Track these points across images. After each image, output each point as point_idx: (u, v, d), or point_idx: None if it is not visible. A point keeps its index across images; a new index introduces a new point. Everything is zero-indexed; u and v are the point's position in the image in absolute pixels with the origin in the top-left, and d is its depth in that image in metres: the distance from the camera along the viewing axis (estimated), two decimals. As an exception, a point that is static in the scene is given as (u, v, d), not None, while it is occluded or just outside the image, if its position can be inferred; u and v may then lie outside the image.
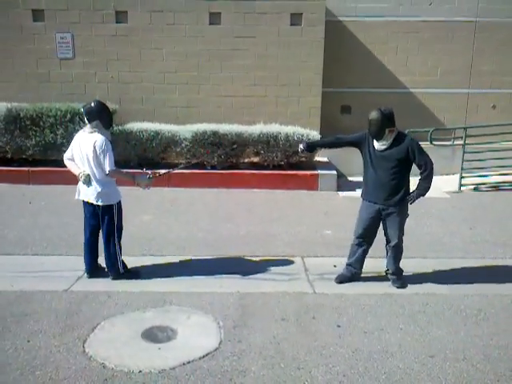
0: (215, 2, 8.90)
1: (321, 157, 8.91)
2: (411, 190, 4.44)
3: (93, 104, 4.37)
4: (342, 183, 8.40)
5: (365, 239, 4.61)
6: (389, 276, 4.73)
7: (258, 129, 8.23)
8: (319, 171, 8.21)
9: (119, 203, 4.61)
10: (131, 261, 4.92)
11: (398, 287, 4.62)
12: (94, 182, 4.45)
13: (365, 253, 4.69)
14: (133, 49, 8.95)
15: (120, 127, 8.14)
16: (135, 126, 8.20)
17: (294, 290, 4.54)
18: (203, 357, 3.49)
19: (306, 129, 8.34)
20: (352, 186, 8.34)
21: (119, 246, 4.64)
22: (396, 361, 3.49)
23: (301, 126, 8.41)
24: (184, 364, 3.40)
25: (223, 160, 8.14)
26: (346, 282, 4.68)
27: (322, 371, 3.37)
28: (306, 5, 9.01)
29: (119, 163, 8.05)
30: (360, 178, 9.00)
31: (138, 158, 8.10)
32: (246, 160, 8.42)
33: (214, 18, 8.91)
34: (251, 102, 9.22)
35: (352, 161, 8.93)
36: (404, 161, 4.30)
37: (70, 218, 6.35)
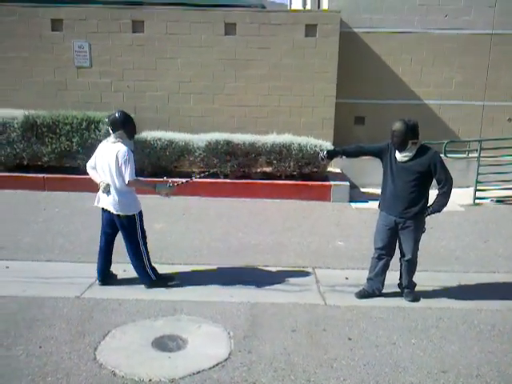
0: (231, 13, 9.00)
1: (334, 167, 8.89)
2: (429, 204, 4.39)
3: (117, 114, 4.41)
4: (355, 194, 8.36)
5: (384, 251, 4.53)
6: (401, 289, 4.68)
7: (271, 139, 8.25)
8: (332, 182, 8.19)
9: (140, 213, 4.62)
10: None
11: (410, 301, 4.57)
12: (113, 192, 4.47)
13: (385, 267, 4.59)
14: (148, 58, 9.07)
15: (135, 136, 8.20)
16: (149, 134, 8.28)
17: (304, 301, 4.51)
18: (213, 367, 3.48)
19: (319, 139, 8.33)
20: (365, 198, 8.30)
21: (146, 254, 4.65)
22: (408, 376, 3.44)
23: (314, 137, 8.40)
24: (194, 374, 3.39)
25: (236, 169, 8.16)
26: (367, 297, 4.59)
27: (333, 384, 3.33)
28: (321, 16, 9.06)
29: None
30: (373, 190, 9.00)
31: (151, 166, 8.15)
32: (259, 170, 8.43)
33: (230, 29, 9.00)
34: (265, 111, 9.26)
35: (365, 172, 8.95)
36: (425, 174, 4.25)
37: (83, 225, 6.42)
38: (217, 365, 3.50)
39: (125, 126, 4.41)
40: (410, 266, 4.56)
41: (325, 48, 9.04)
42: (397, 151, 4.32)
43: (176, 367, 3.47)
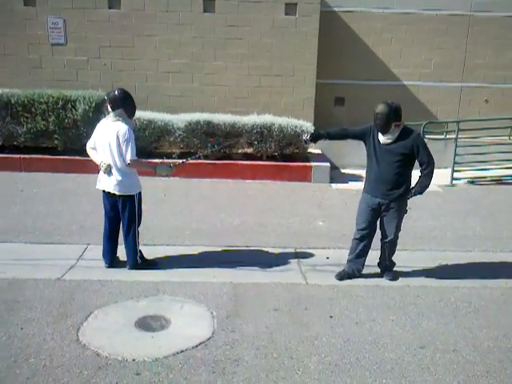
0: (210, -10, 8.82)
1: (314, 148, 8.92)
2: (412, 186, 4.46)
3: (117, 92, 4.32)
4: (336, 175, 8.43)
5: (365, 232, 4.57)
6: (381, 269, 4.78)
7: (251, 119, 8.20)
8: (313, 163, 8.23)
9: (140, 194, 4.59)
10: (121, 250, 4.92)
11: (389, 280, 4.67)
12: (114, 172, 4.41)
13: (366, 248, 4.64)
14: (126, 36, 8.86)
15: (113, 115, 8.06)
16: (128, 114, 8.12)
17: (286, 280, 4.57)
18: (196, 346, 3.51)
19: (299, 120, 8.33)
20: (345, 179, 8.38)
21: (138, 236, 4.63)
22: (387, 352, 3.54)
23: (294, 117, 8.39)
24: (177, 353, 3.42)
25: (217, 150, 8.11)
26: (347, 278, 4.65)
27: (315, 361, 3.41)
28: (302, -6, 8.96)
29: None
30: (353, 171, 9.10)
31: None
32: (240, 151, 8.40)
33: (208, 6, 8.84)
34: (245, 91, 9.19)
35: (345, 153, 9.01)
36: (408, 156, 4.30)
37: (62, 206, 6.32)
38: (200, 344, 3.54)
39: (125, 104, 4.32)
40: (390, 247, 4.64)
41: (305, 27, 8.97)
42: (380, 133, 4.34)
43: (159, 347, 3.49)
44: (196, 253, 5.13)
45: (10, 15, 8.68)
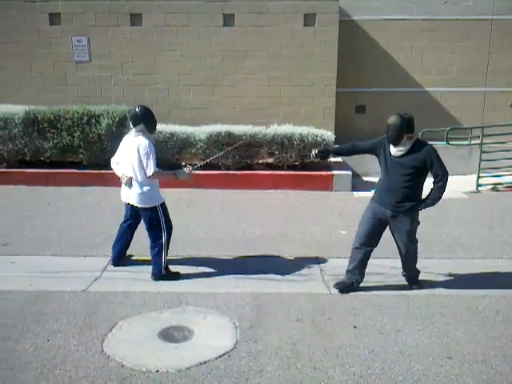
0: (229, 3, 8.94)
1: (335, 157, 8.87)
2: (423, 198, 4.33)
3: (138, 109, 4.53)
4: (357, 183, 8.35)
5: (367, 241, 4.43)
6: (406, 279, 4.68)
7: (272, 129, 8.23)
8: (334, 171, 8.19)
9: (163, 204, 4.69)
10: (144, 261, 4.98)
11: (414, 289, 4.58)
12: (135, 184, 4.57)
13: (365, 258, 4.49)
14: (147, 51, 9.03)
15: (135, 129, 8.21)
16: (150, 127, 8.25)
17: (309, 290, 4.54)
18: (219, 357, 3.51)
19: (320, 129, 8.32)
20: (367, 187, 8.28)
21: (167, 246, 4.72)
22: (413, 362, 3.46)
23: (315, 127, 8.39)
24: (201, 364, 3.43)
25: (238, 161, 8.16)
26: (346, 290, 4.51)
27: (339, 372, 3.36)
28: (320, 5, 8.99)
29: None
30: (375, 178, 8.94)
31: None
32: (261, 161, 8.43)
33: (228, 19, 8.95)
34: (265, 102, 9.24)
35: (367, 161, 8.88)
36: (420, 169, 4.19)
37: (87, 219, 6.44)
38: (223, 355, 3.53)
39: (145, 120, 4.51)
40: (409, 258, 4.51)
41: (324, 37, 8.99)
42: (391, 145, 4.23)
43: (182, 358, 3.50)
44: (218, 263, 5.14)
45: (36, 35, 8.97)
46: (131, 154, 4.51)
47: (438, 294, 4.47)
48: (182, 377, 3.29)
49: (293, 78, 9.14)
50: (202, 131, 8.21)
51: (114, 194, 7.56)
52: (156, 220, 4.63)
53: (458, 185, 8.16)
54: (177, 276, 4.81)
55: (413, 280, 4.64)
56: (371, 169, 8.92)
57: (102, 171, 8.07)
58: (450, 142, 8.31)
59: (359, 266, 4.52)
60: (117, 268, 4.96)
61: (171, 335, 3.78)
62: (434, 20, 9.62)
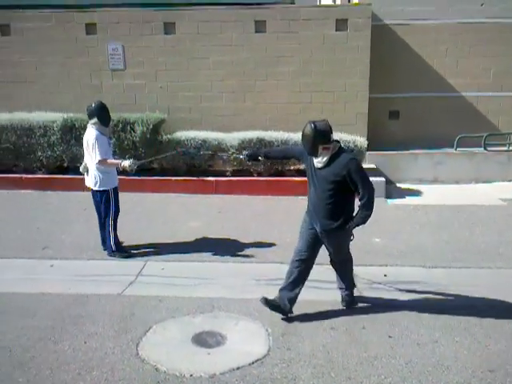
0: (260, 11, 9.00)
1: (368, 163, 8.77)
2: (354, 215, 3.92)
3: (93, 104, 5.24)
4: (391, 190, 8.22)
5: (304, 255, 4.08)
6: (341, 291, 4.34)
7: (303, 135, 8.20)
8: (366, 178, 8.07)
9: (115, 189, 5.37)
10: (181, 265, 5.04)
11: (344, 306, 4.29)
12: (90, 170, 5.31)
13: (302, 275, 4.09)
14: (181, 59, 9.17)
15: (169, 136, 8.35)
16: (183, 134, 8.38)
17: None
18: (252, 363, 3.50)
19: (352, 135, 8.25)
20: (402, 194, 8.16)
21: (114, 227, 5.36)
22: (452, 374, 3.36)
23: (347, 133, 8.31)
24: (234, 369, 3.43)
25: (269, 167, 8.17)
26: (275, 310, 4.08)
27: (374, 382, 3.30)
28: (352, 10, 8.94)
29: (168, 171, 8.32)
30: (410, 185, 8.84)
31: (186, 165, 8.27)
32: (292, 167, 8.41)
33: (260, 26, 9.00)
34: (296, 108, 9.22)
35: (402, 167, 8.81)
36: (341, 184, 3.76)
37: (121, 223, 6.55)
38: (256, 361, 3.53)
39: (98, 114, 5.19)
40: (341, 266, 4.26)
41: (356, 42, 8.92)
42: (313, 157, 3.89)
43: (216, 363, 3.51)
44: (250, 269, 5.15)
45: (73, 44, 9.24)
46: (86, 144, 5.25)
47: (478, 305, 4.34)
48: (215, 382, 3.30)
49: (324, 84, 9.10)
50: (233, 137, 8.26)
51: (146, 198, 7.73)
52: (107, 203, 5.30)
53: (496, 191, 7.92)
54: (128, 254, 5.40)
55: (346, 295, 4.31)
56: (406, 176, 8.82)
57: (135, 177, 8.23)
58: (488, 148, 8.08)
59: (295, 283, 4.09)
60: (150, 272, 5.03)
61: (204, 340, 3.80)
62: (470, 23, 9.40)
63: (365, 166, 8.52)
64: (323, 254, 5.53)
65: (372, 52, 8.96)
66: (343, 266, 4.29)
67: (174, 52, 9.16)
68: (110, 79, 9.35)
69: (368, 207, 3.81)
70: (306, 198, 7.99)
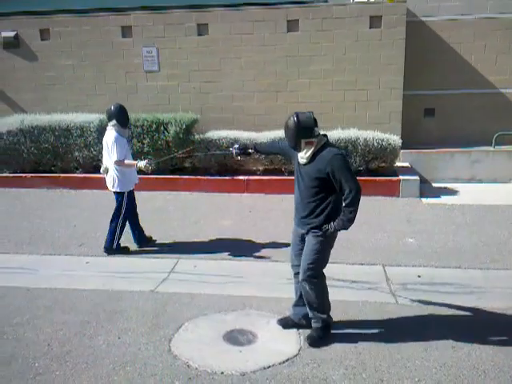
0: (293, 10, 8.97)
1: (402, 162, 8.61)
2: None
3: (112, 107, 5.35)
4: (426, 189, 8.04)
5: (297, 270, 3.79)
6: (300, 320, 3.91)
7: (335, 134, 8.12)
8: (401, 177, 7.93)
9: (130, 192, 5.53)
10: (213, 263, 5.09)
11: (308, 343, 3.70)
12: (109, 171, 5.41)
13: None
14: (213, 59, 9.25)
15: (201, 135, 8.44)
16: (215, 134, 8.45)
17: (374, 299, 4.42)
18: (283, 362, 3.50)
19: (386, 133, 8.11)
20: (436, 193, 7.96)
21: (120, 228, 5.50)
22: (488, 379, 3.26)
23: (381, 131, 8.19)
24: (264, 368, 3.43)
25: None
26: (292, 327, 3.90)
27: (407, 385, 3.24)
28: (386, 7, 8.79)
29: (200, 170, 8.42)
30: (446, 184, 8.62)
31: (218, 164, 8.34)
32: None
33: (292, 25, 8.97)
34: (329, 107, 9.14)
35: (437, 166, 8.60)
36: (324, 181, 3.47)
37: (153, 221, 6.67)
38: (287, 360, 3.52)
39: (117, 116, 5.29)
40: (307, 287, 3.66)
41: (391, 39, 8.77)
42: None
43: (247, 361, 3.52)
44: (281, 268, 5.13)
45: (110, 47, 9.46)
46: (105, 145, 5.36)
47: (516, 308, 4.19)
48: (246, 380, 3.31)
49: (357, 82, 8.99)
50: (265, 137, 8.26)
51: (180, 197, 7.83)
52: (120, 205, 5.45)
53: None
54: (126, 250, 5.58)
55: (313, 326, 3.77)
56: (441, 175, 8.61)
57: (169, 176, 8.37)
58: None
59: (303, 301, 3.81)
60: (182, 270, 5.10)
61: (235, 338, 3.82)
62: (509, 18, 9.08)
63: (399, 164, 8.41)
64: (339, 253, 5.48)
65: (407, 49, 8.79)
66: (310, 286, 3.65)
67: (206, 53, 9.24)
68: (144, 81, 9.52)
69: (351, 209, 3.46)
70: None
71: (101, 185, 8.36)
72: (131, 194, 5.60)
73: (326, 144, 3.55)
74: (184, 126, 8.26)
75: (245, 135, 8.35)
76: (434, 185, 8.41)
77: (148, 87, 9.52)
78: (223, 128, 8.82)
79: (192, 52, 9.27)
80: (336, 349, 3.66)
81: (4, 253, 5.68)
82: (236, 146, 4.31)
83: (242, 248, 5.70)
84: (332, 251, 5.48)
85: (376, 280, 4.83)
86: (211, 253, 5.53)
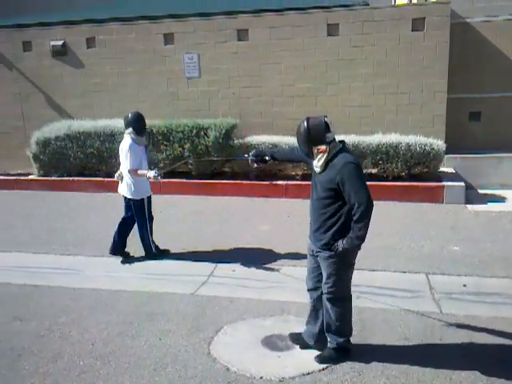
0: (333, 14, 8.91)
1: (446, 167, 8.38)
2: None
3: (129, 115, 5.38)
4: (471, 196, 7.77)
5: (314, 286, 3.57)
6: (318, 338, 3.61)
7: (376, 139, 8.00)
8: (445, 183, 7.70)
9: (148, 198, 5.52)
10: (252, 268, 5.11)
11: (317, 361, 3.51)
12: (125, 178, 5.40)
13: (316, 303, 3.55)
14: (253, 65, 9.31)
15: (240, 140, 8.50)
16: (254, 138, 8.49)
17: (417, 308, 4.30)
18: (323, 370, 3.46)
19: (429, 138, 7.92)
20: (483, 200, 7.69)
21: (150, 231, 5.53)
22: (540, 396, 3.11)
23: (424, 135, 8.00)
24: (303, 375, 3.40)
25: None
26: (302, 345, 3.68)
27: (452, 398, 3.13)
28: (429, 8, 8.59)
29: (239, 175, 8.47)
30: (492, 191, 8.34)
31: (256, 169, 8.36)
32: (364, 171, 8.21)
33: (332, 29, 8.92)
34: (369, 111, 9.02)
35: (483, 172, 8.31)
36: (335, 192, 3.21)
37: (193, 225, 6.77)
38: (326, 367, 3.47)
39: (133, 124, 5.30)
40: (331, 306, 3.43)
41: (434, 41, 8.56)
42: None
43: (285, 367, 3.50)
44: (321, 274, 5.08)
45: (152, 54, 9.70)
46: (121, 152, 5.37)
47: None
48: (285, 386, 3.29)
49: (399, 85, 8.82)
50: (304, 141, 8.22)
51: (220, 202, 7.91)
52: (141, 211, 5.43)
53: None
54: (167, 253, 5.64)
55: (331, 348, 3.51)
56: (488, 181, 8.31)
57: (208, 181, 8.47)
58: None
59: (314, 317, 3.61)
60: (221, 274, 5.14)
61: (274, 343, 3.81)
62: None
63: (443, 169, 8.18)
64: (380, 260, 5.35)
65: (451, 51, 8.56)
66: (333, 306, 3.42)
67: (246, 58, 9.32)
68: (185, 87, 9.69)
69: (360, 226, 3.15)
70: (378, 202, 7.78)
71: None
72: (147, 199, 5.54)
73: (341, 150, 3.27)
74: (223, 131, 8.35)
75: (284, 140, 8.35)
76: (480, 191, 8.13)
77: (189, 93, 9.68)
78: (262, 133, 8.85)
79: (232, 57, 9.37)
80: (377, 358, 3.58)
81: (52, 254, 5.90)
82: (252, 153, 4.09)
83: (280, 253, 5.68)
84: (372, 258, 5.43)
85: (419, 288, 4.70)
86: (250, 257, 5.55)
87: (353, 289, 4.58)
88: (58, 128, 9.19)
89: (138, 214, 5.48)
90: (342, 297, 3.45)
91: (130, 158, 5.24)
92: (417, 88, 8.75)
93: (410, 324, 4.04)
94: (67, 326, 4.15)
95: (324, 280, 3.42)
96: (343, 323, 3.49)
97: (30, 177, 9.54)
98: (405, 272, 5.09)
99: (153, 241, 5.60)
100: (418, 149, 7.69)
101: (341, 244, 3.25)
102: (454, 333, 3.88)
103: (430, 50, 8.59)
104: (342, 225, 3.28)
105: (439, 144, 7.78)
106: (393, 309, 4.29)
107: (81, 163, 9.09)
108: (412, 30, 8.63)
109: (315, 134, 3.22)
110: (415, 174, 7.87)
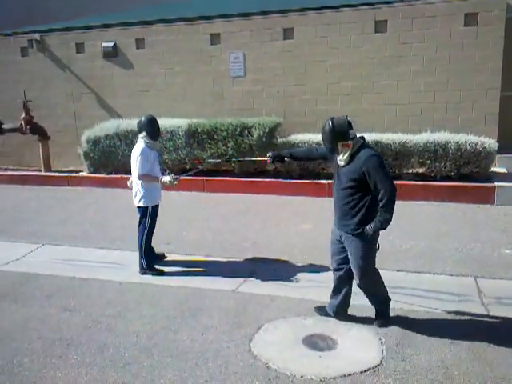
0: (381, 10, 8.73)
1: (498, 167, 8.03)
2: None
3: (143, 118, 5.13)
4: (525, 197, 7.41)
5: (337, 265, 4.04)
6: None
7: (424, 137, 7.78)
8: (496, 183, 7.39)
9: (154, 207, 5.20)
10: (293, 266, 5.08)
11: (378, 326, 4.00)
12: (134, 184, 5.19)
13: (341, 284, 4.07)
14: (298, 63, 9.27)
15: (284, 139, 8.49)
16: (298, 137, 8.46)
17: (465, 312, 4.15)
18: (364, 371, 3.40)
19: (480, 137, 7.61)
20: (537, 201, 7.31)
21: (145, 245, 5.20)
22: None
23: (474, 134, 7.71)
24: (345, 376, 3.36)
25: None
26: (323, 315, 4.19)
27: (501, 407, 3.00)
28: (483, 3, 8.25)
29: (282, 174, 8.46)
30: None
31: (299, 168, 8.34)
32: (410, 171, 8.02)
33: (380, 26, 8.74)
34: (417, 109, 8.78)
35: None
36: (360, 182, 3.62)
37: (237, 223, 6.83)
38: (368, 370, 3.42)
39: (147, 128, 5.06)
40: (365, 286, 3.94)
41: (487, 37, 8.22)
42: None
43: (327, 367, 3.47)
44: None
45: (198, 54, 9.86)
46: (132, 157, 5.13)
47: None
48: (325, 386, 3.27)
49: (449, 83, 8.53)
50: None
51: (262, 200, 7.93)
52: (143, 217, 5.17)
53: None
54: (160, 272, 5.20)
55: (381, 315, 4.04)
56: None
57: (251, 179, 8.52)
58: None
59: (335, 292, 4.13)
60: (262, 272, 5.16)
61: (315, 343, 3.79)
62: None
63: (495, 169, 7.85)
64: (426, 263, 5.18)
65: (505, 47, 8.18)
66: (367, 285, 3.94)
67: (291, 57, 9.29)
68: (230, 86, 9.78)
69: (388, 210, 3.58)
70: (425, 203, 7.59)
71: (190, 187, 8.76)
72: (155, 209, 5.26)
73: (362, 145, 3.70)
74: (267, 130, 8.37)
75: (328, 139, 8.25)
76: (536, 192, 7.73)
77: (233, 92, 9.76)
78: (306, 132, 8.80)
79: (277, 57, 9.37)
80: (421, 361, 3.49)
81: (100, 248, 6.12)
82: (270, 153, 4.44)
83: (321, 252, 5.61)
84: (418, 260, 5.30)
85: (466, 292, 4.53)
86: (291, 255, 5.54)
87: (398, 290, 4.52)
88: (107, 127, 9.52)
89: (142, 222, 5.22)
90: (371, 273, 3.89)
91: (139, 163, 4.99)
92: (468, 85, 8.44)
93: (457, 327, 3.91)
94: (113, 318, 4.30)
95: (354, 267, 3.84)
96: (381, 289, 3.99)
97: (81, 174, 9.93)
98: (452, 275, 4.93)
99: (145, 256, 5.24)
100: (468, 148, 7.42)
101: (370, 227, 3.66)
102: (504, 338, 3.72)
103: (482, 46, 8.26)
104: (365, 211, 3.70)
105: (491, 143, 7.47)
106: (439, 312, 4.17)
107: (128, 161, 9.35)
108: (464, 26, 8.32)
109: (339, 131, 3.66)
110: (465, 174, 7.60)
